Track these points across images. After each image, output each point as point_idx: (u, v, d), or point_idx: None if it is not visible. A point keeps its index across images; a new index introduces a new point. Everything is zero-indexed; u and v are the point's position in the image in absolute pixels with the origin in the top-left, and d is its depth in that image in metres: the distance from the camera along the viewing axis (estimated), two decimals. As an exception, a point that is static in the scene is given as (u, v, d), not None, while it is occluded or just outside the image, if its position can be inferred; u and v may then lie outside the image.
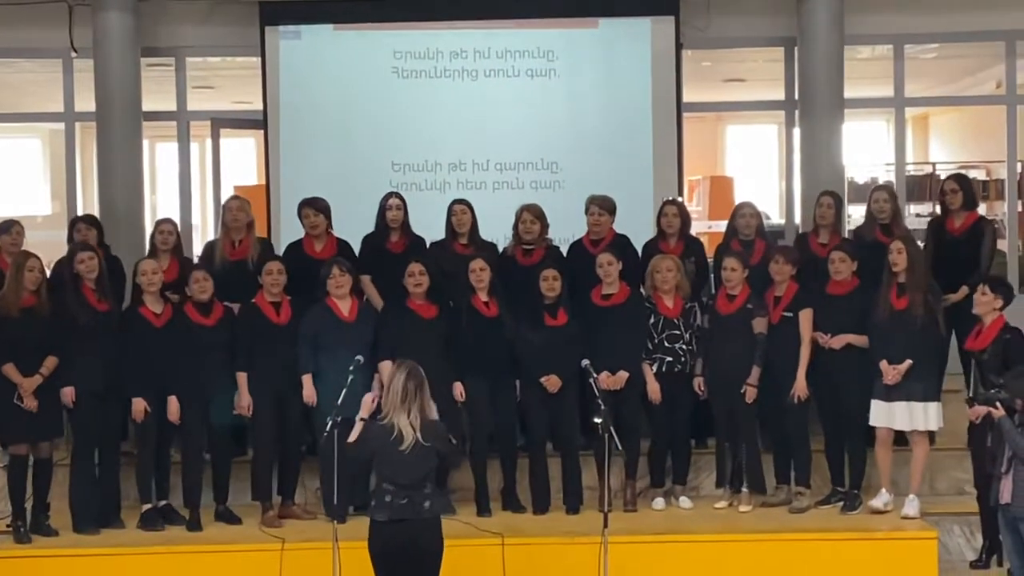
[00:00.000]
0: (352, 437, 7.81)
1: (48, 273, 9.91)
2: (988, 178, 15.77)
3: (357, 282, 9.98)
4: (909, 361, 9.42)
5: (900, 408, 9.51)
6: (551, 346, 9.70)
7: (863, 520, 9.60)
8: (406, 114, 12.45)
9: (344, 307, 9.74)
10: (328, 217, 10.33)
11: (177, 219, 12.28)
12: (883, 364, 9.48)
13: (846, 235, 10.85)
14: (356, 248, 10.44)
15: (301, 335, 9.66)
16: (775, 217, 13.33)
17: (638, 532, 9.35)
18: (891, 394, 9.50)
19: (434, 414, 7.69)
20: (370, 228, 10.48)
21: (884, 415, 9.57)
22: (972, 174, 15.96)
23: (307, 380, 9.60)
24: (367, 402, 7.96)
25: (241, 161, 17.84)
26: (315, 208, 10.31)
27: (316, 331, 9.65)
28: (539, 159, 12.41)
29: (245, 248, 10.28)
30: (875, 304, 9.61)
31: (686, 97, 12.66)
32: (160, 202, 18.23)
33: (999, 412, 8.42)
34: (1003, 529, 8.64)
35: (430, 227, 10.50)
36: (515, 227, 10.38)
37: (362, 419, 7.85)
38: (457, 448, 7.90)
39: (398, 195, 10.48)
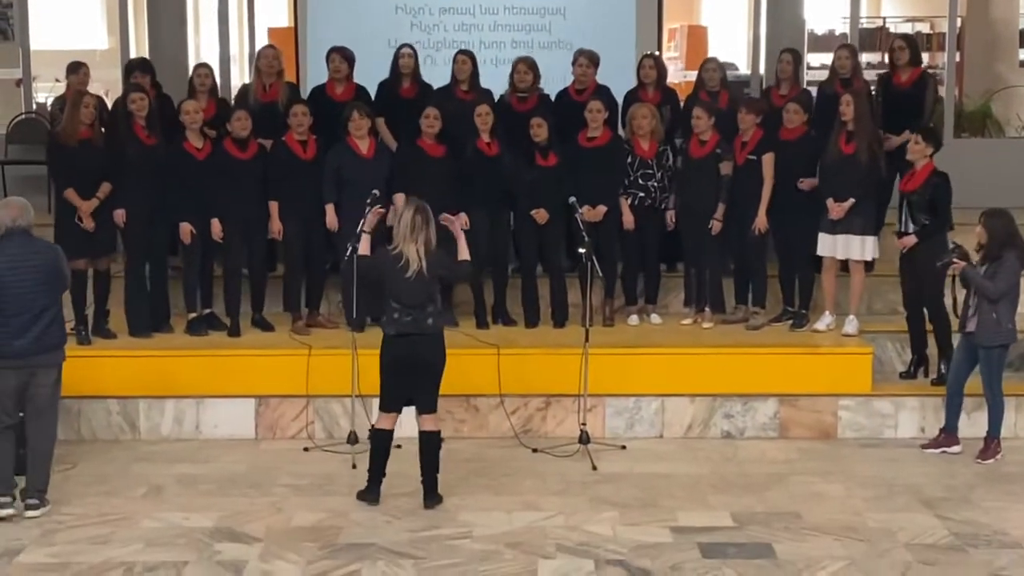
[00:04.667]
0: (362, 249, 7.90)
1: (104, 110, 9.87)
2: (932, 31, 15.49)
3: (374, 124, 9.90)
4: (852, 200, 9.41)
5: (842, 240, 9.55)
6: (541, 183, 9.68)
7: (809, 337, 9.70)
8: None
9: (363, 146, 9.70)
10: (351, 65, 10.27)
11: (216, 56, 12.17)
12: (829, 201, 9.48)
13: (805, 86, 10.76)
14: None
15: (325, 169, 9.64)
16: (743, 68, 13.11)
17: (615, 344, 9.43)
18: (835, 227, 9.54)
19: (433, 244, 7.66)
20: (385, 64, 10.45)
21: (829, 245, 9.62)
22: (917, 27, 15.78)
23: (330, 209, 9.60)
24: (370, 217, 8.05)
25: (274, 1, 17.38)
26: (342, 55, 10.27)
27: (339, 166, 9.62)
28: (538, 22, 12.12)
29: (275, 92, 10.24)
30: (826, 149, 9.56)
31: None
32: (203, 42, 17.83)
33: (959, 264, 8.53)
34: (959, 348, 8.78)
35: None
36: (511, 77, 10.30)
37: (364, 231, 7.91)
38: (466, 267, 7.89)
39: (410, 46, 10.42)
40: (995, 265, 8.42)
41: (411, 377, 7.65)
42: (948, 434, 8.80)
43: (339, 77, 10.25)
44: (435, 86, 10.44)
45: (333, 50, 10.31)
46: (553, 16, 12.03)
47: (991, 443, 8.66)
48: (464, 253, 7.79)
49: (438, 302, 7.74)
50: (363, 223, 8.35)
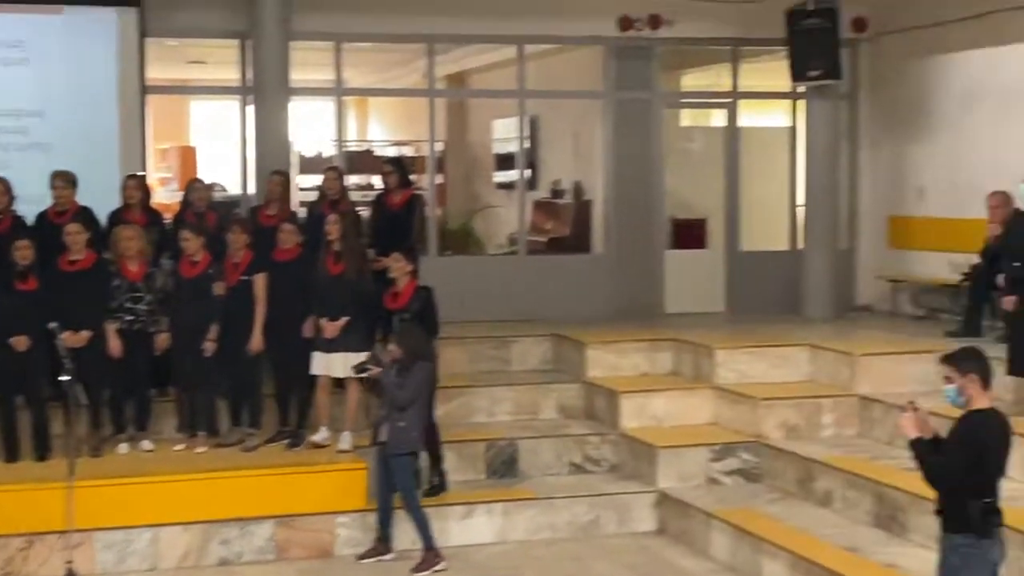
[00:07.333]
0: None
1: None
2: (417, 154, 16.15)
3: None
4: (346, 318, 9.53)
5: (338, 358, 9.60)
6: (22, 309, 9.22)
7: (306, 455, 9.67)
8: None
9: None
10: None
11: None
12: (323, 321, 9.55)
13: (297, 207, 10.92)
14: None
15: None
16: (234, 188, 13.11)
17: (104, 476, 9.00)
18: (330, 346, 9.59)
19: None
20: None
21: (324, 364, 9.66)
22: (404, 151, 16.44)
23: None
24: None
25: None
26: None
27: None
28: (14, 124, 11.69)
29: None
30: (315, 269, 9.66)
31: (154, 75, 12.40)
32: None
33: (375, 370, 8.90)
34: (376, 462, 8.95)
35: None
36: None
37: None
38: None
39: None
40: (405, 374, 8.77)
41: None
42: (382, 543, 8.96)
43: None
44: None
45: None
46: (30, 118, 11.64)
47: (427, 555, 8.82)
48: None
49: None
50: None
